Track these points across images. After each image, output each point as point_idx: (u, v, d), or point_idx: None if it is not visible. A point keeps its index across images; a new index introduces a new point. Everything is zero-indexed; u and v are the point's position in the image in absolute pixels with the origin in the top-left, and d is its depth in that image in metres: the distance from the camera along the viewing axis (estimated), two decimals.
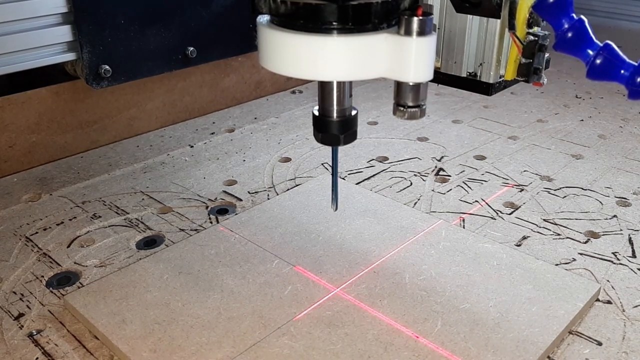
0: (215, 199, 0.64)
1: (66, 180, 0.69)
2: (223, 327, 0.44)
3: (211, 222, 0.60)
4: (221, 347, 0.43)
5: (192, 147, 0.78)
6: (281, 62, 0.37)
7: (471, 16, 0.45)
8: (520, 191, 0.66)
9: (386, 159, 0.73)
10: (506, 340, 0.43)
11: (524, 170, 0.70)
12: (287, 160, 0.73)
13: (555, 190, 0.66)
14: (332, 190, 0.48)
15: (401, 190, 0.66)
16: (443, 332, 0.44)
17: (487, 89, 0.46)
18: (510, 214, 0.61)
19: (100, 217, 0.61)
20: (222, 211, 0.62)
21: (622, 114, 0.88)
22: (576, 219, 0.60)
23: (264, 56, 0.38)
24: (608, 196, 0.64)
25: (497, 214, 0.61)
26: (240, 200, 0.64)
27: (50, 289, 0.50)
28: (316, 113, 0.43)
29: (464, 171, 0.70)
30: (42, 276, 0.52)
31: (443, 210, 0.62)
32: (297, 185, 0.66)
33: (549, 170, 0.70)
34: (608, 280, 0.51)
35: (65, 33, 0.67)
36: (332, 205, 0.49)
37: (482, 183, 0.67)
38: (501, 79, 0.46)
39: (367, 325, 0.45)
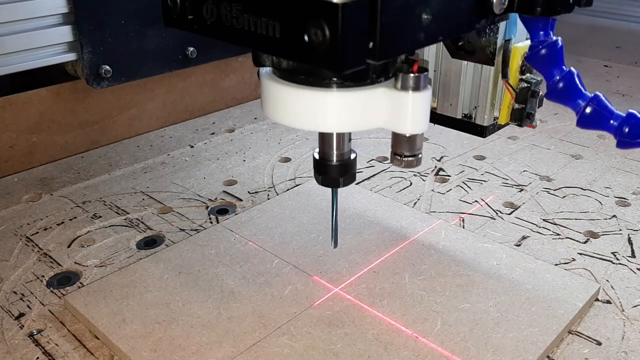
0: (216, 199, 0.65)
1: (67, 180, 0.69)
2: (223, 326, 0.45)
3: (211, 222, 0.60)
4: (221, 347, 0.43)
5: (192, 147, 0.78)
6: (282, 113, 0.38)
7: (466, 61, 0.46)
8: (520, 191, 0.66)
9: (386, 159, 0.73)
10: (506, 340, 0.43)
11: (524, 171, 0.70)
12: (287, 160, 0.74)
13: (554, 190, 0.66)
14: (332, 228, 0.49)
15: (401, 190, 0.66)
16: (443, 332, 0.44)
17: (481, 131, 0.47)
18: (509, 214, 0.61)
19: (100, 217, 0.61)
20: (222, 211, 0.62)
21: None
22: (576, 219, 0.60)
23: (266, 106, 0.40)
24: (607, 196, 0.64)
25: (497, 214, 0.61)
26: (240, 200, 0.64)
27: (51, 288, 0.50)
28: (316, 156, 0.44)
29: (463, 171, 0.70)
30: (43, 276, 0.52)
31: (443, 210, 0.62)
32: (297, 185, 0.66)
33: (549, 170, 0.70)
34: (607, 280, 0.51)
35: (65, 33, 0.67)
36: (332, 243, 0.49)
37: (481, 183, 0.67)
38: (495, 121, 0.48)
39: (367, 325, 0.45)
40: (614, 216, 0.61)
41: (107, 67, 0.70)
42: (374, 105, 0.37)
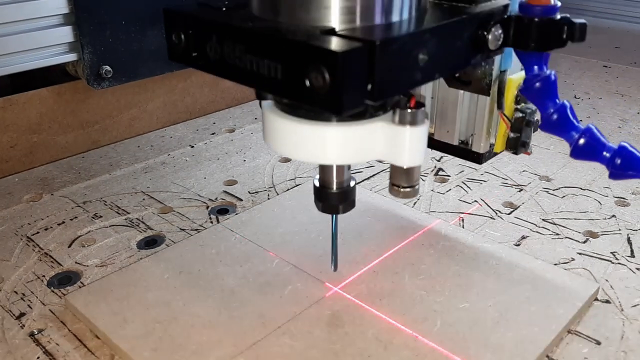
0: (216, 198, 0.65)
1: (67, 180, 0.69)
2: (223, 326, 0.45)
3: (211, 222, 0.60)
4: (222, 346, 0.43)
5: (192, 147, 0.78)
6: (283, 144, 0.39)
7: (462, 90, 0.47)
8: (519, 191, 0.66)
9: None
10: (505, 340, 0.43)
11: (523, 170, 0.70)
12: (287, 160, 0.74)
13: (554, 190, 0.66)
14: (332, 252, 0.49)
15: None
16: (442, 332, 0.44)
17: (478, 158, 0.49)
18: (509, 213, 0.61)
19: (101, 217, 0.61)
20: (222, 211, 0.62)
21: (620, 114, 0.88)
22: (575, 219, 0.60)
23: (268, 137, 0.40)
24: (607, 196, 0.65)
25: (496, 213, 0.61)
26: (241, 200, 0.64)
27: (52, 288, 0.51)
28: (317, 184, 0.44)
29: (463, 171, 0.70)
30: (44, 276, 0.52)
31: (442, 210, 0.62)
32: (297, 185, 0.66)
33: (548, 170, 0.71)
34: (607, 280, 0.51)
35: (66, 34, 0.67)
36: (331, 266, 0.49)
37: (481, 183, 0.68)
38: (491, 148, 0.49)
39: (366, 325, 0.45)
40: (614, 216, 0.61)
41: (108, 68, 0.70)
42: (372, 138, 0.38)
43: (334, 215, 0.47)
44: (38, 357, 0.43)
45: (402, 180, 0.41)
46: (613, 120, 0.86)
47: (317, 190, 0.44)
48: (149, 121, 0.83)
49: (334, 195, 0.44)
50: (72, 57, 0.69)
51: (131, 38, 0.72)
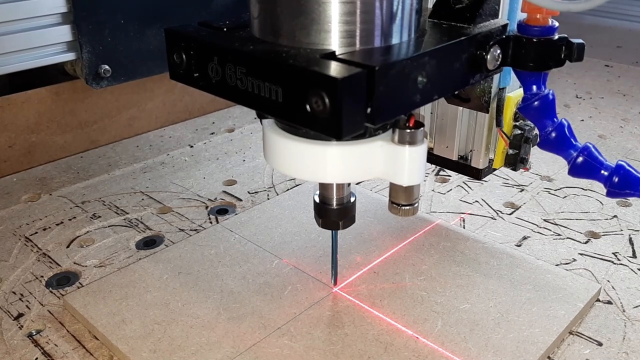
0: (215, 199, 0.64)
1: (66, 180, 0.69)
2: (223, 327, 0.44)
3: (211, 222, 0.60)
4: (221, 347, 0.43)
5: (192, 147, 0.78)
6: (283, 163, 0.39)
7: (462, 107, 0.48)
8: (521, 191, 0.66)
9: None
10: (506, 341, 0.43)
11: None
12: None
13: (555, 190, 0.66)
14: (332, 267, 0.49)
15: None
16: (443, 333, 0.44)
17: (477, 174, 0.49)
18: (510, 214, 0.61)
19: (99, 217, 0.61)
20: (222, 211, 0.62)
21: (622, 114, 0.88)
22: (576, 219, 0.60)
23: (268, 155, 0.40)
24: None
25: (498, 214, 0.61)
26: (240, 200, 0.64)
27: (50, 289, 0.50)
28: (317, 200, 0.44)
29: None
30: (42, 276, 0.52)
31: (443, 210, 0.62)
32: (297, 186, 0.66)
33: (549, 170, 0.70)
34: (608, 281, 0.51)
35: (65, 33, 0.67)
36: (331, 280, 0.49)
37: (482, 183, 0.67)
38: (490, 164, 0.49)
39: (367, 326, 0.45)
40: (615, 216, 0.61)
41: (107, 67, 0.70)
42: (372, 157, 0.38)
43: (334, 231, 0.47)
44: (36, 358, 0.43)
45: (401, 199, 0.41)
46: (615, 120, 0.85)
47: (317, 207, 0.44)
48: (148, 121, 0.82)
49: (334, 211, 0.44)
50: (70, 56, 0.68)
51: (130, 37, 0.71)
